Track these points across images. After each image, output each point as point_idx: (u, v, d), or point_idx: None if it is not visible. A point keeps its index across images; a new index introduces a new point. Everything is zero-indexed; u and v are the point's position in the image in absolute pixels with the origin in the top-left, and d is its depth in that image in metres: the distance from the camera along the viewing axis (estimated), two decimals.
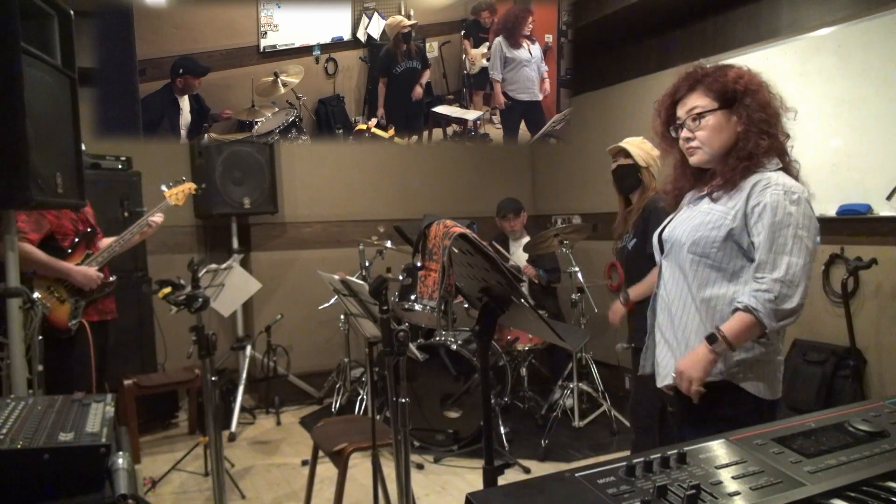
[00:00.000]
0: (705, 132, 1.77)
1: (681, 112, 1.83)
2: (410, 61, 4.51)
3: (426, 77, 4.59)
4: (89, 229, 3.24)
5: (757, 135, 1.72)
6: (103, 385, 3.31)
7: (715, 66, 1.84)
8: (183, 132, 4.18)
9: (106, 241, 3.32)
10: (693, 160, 1.82)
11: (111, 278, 3.27)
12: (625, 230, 3.09)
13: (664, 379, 1.86)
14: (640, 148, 3.06)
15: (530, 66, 4.68)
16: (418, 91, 4.55)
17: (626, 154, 3.02)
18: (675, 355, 1.80)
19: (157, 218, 3.39)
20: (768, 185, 1.69)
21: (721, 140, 1.77)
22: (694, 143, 1.80)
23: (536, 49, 4.67)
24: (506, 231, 4.88)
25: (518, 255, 4.78)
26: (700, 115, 1.78)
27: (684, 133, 1.81)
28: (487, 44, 4.61)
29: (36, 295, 2.87)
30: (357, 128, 4.50)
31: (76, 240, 3.16)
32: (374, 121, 4.50)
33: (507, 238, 4.93)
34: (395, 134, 4.56)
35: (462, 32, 4.60)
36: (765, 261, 1.66)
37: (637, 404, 3.11)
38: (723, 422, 1.67)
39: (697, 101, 1.79)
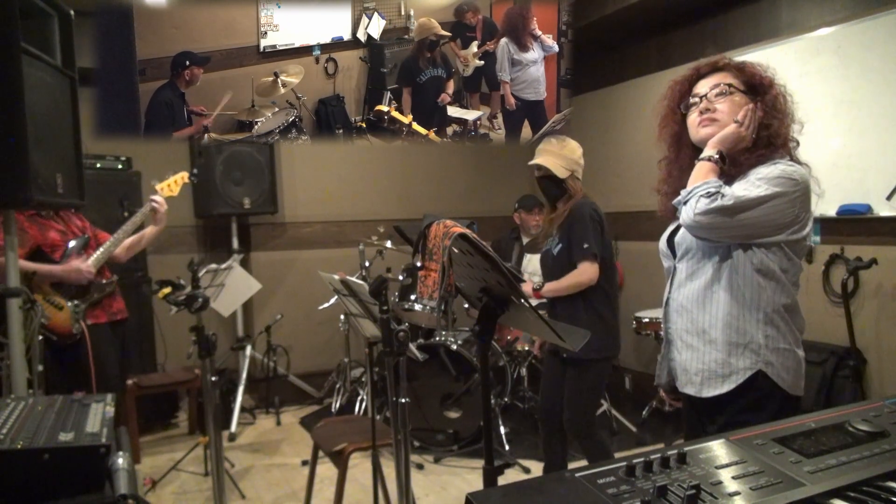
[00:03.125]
0: (728, 105, 1.75)
1: (701, 87, 1.81)
2: (435, 69, 4.46)
3: (451, 87, 4.55)
4: (82, 236, 3.18)
5: (780, 122, 1.73)
6: (123, 385, 3.30)
7: (740, 61, 1.85)
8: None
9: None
10: (704, 132, 1.78)
11: (111, 278, 3.23)
12: (550, 234, 3.03)
13: (686, 384, 1.84)
14: (560, 155, 2.92)
15: (536, 66, 4.68)
16: (445, 97, 4.50)
17: (546, 168, 2.92)
18: (700, 357, 1.78)
19: (158, 198, 3.32)
20: (777, 163, 1.69)
21: None
22: (715, 115, 1.76)
23: (541, 48, 4.66)
24: (528, 225, 4.81)
25: (532, 258, 4.77)
26: (730, 88, 1.76)
27: (703, 105, 1.78)
28: (477, 42, 4.59)
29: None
30: (377, 108, 4.37)
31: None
32: (394, 104, 4.40)
33: (519, 237, 4.91)
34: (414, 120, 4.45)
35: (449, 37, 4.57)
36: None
37: (549, 407, 3.05)
38: (751, 414, 1.69)
39: (725, 78, 1.79)
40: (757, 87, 1.77)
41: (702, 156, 1.75)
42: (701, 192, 1.66)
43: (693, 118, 1.82)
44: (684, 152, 1.88)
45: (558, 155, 2.92)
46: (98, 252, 3.16)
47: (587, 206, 2.89)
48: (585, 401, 2.97)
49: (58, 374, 2.91)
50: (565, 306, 2.93)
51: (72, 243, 3.10)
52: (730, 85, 1.77)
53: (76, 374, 3.01)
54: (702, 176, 1.70)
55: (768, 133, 1.72)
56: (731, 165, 1.75)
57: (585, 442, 2.97)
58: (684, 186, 1.79)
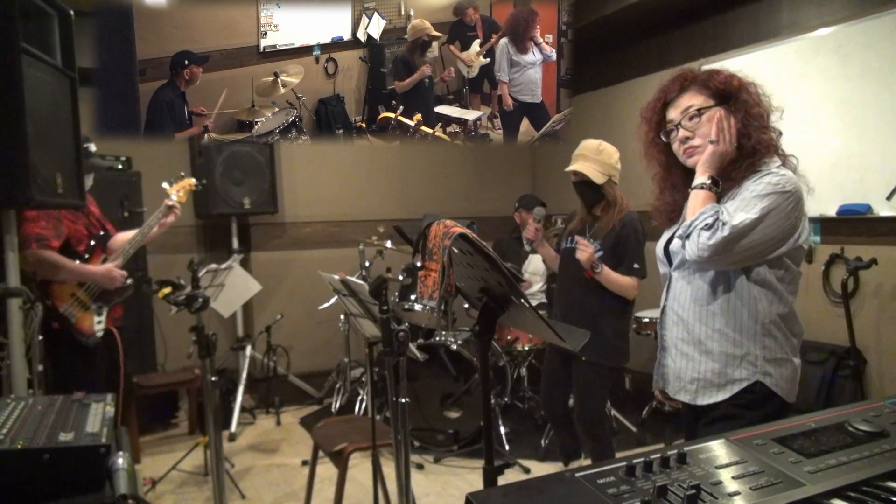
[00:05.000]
0: (706, 127, 1.72)
1: (673, 114, 1.79)
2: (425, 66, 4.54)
3: (448, 73, 4.65)
4: (102, 232, 3.17)
5: (758, 130, 1.70)
6: (116, 389, 3.30)
7: (704, 70, 1.82)
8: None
9: (123, 237, 3.23)
10: (692, 161, 1.76)
11: (128, 280, 3.19)
12: (580, 233, 3.05)
13: (679, 391, 1.84)
14: (597, 160, 2.95)
15: (534, 68, 4.69)
16: (448, 73, 4.62)
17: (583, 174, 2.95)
18: (695, 366, 1.78)
19: (175, 205, 3.25)
20: (766, 174, 1.67)
21: None
22: (695, 142, 1.75)
23: (539, 52, 4.67)
24: (529, 224, 4.84)
25: (533, 258, 4.78)
26: (699, 112, 1.74)
27: (681, 134, 1.77)
28: (479, 41, 4.59)
29: (63, 308, 2.89)
30: (381, 115, 4.40)
31: (92, 243, 3.09)
32: (400, 108, 4.43)
33: (519, 236, 4.91)
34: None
35: (446, 38, 4.56)
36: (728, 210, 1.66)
37: (550, 397, 3.20)
38: (745, 411, 1.70)
39: (692, 99, 1.75)
40: (727, 95, 1.74)
41: (693, 184, 1.74)
42: (700, 224, 1.65)
43: (677, 146, 1.80)
44: (675, 172, 1.87)
45: (595, 160, 2.95)
46: (123, 252, 3.13)
47: (636, 223, 2.96)
48: (601, 403, 3.09)
49: (78, 374, 2.90)
50: (602, 309, 2.99)
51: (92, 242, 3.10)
52: (699, 109, 1.74)
53: (93, 376, 2.99)
54: (698, 206, 1.69)
55: (750, 142, 1.70)
56: (725, 180, 1.74)
57: (596, 442, 3.01)
58: (678, 202, 1.79)
